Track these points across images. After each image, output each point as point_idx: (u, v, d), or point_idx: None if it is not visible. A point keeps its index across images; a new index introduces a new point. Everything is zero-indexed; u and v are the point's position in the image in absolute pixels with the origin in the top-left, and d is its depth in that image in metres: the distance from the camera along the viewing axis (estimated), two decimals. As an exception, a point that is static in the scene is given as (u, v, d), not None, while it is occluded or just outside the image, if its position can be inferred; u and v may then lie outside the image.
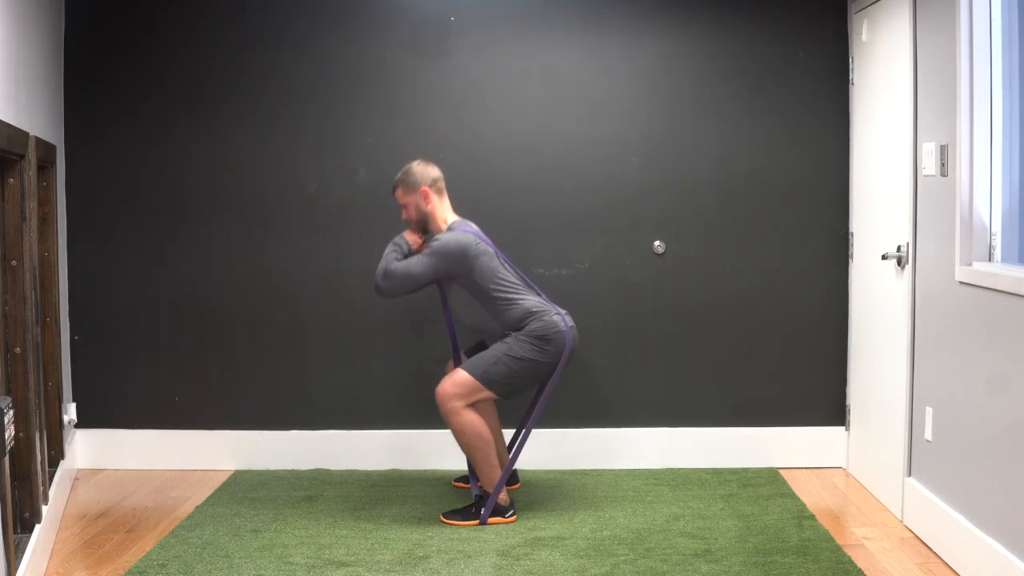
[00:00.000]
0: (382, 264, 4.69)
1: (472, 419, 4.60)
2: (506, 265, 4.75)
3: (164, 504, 4.99)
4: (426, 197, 4.75)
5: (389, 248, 4.75)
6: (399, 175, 4.81)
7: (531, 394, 4.93)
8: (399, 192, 4.80)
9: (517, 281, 4.73)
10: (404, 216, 4.83)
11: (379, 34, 5.46)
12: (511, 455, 4.86)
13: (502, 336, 4.68)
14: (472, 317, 4.75)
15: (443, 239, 4.66)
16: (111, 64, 5.47)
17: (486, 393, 4.63)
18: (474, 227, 4.82)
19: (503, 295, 4.66)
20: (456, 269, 4.64)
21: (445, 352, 5.28)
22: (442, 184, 4.81)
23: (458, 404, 4.60)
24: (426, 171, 4.77)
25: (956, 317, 4.15)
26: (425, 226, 4.80)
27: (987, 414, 3.89)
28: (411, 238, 4.79)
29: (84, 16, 5.47)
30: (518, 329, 4.64)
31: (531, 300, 4.69)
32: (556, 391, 4.91)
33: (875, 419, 5.07)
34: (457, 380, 4.62)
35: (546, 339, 4.63)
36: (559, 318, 4.67)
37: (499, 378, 4.61)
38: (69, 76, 5.47)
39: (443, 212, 4.80)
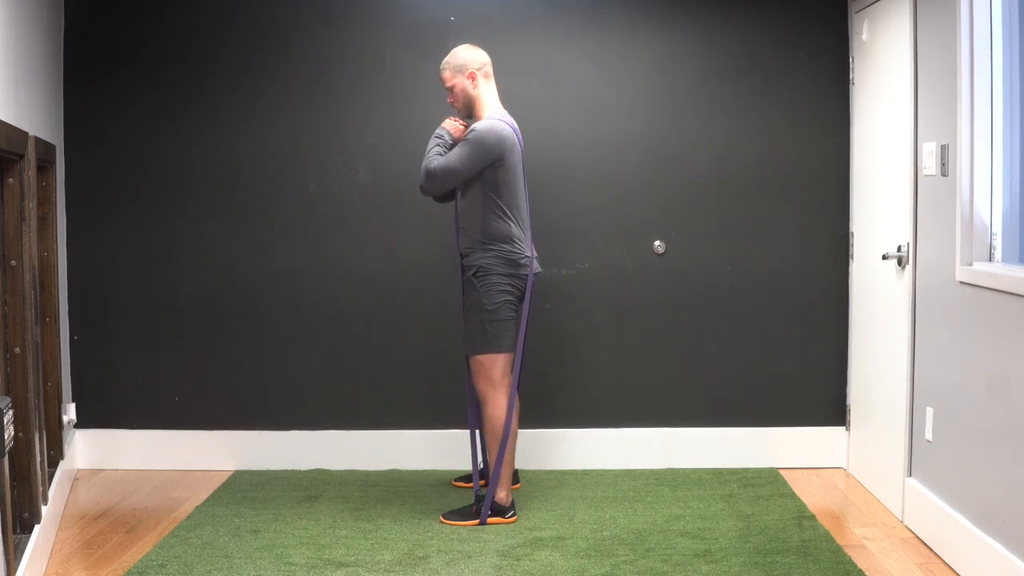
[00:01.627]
0: (424, 162, 4.64)
1: (498, 413, 4.63)
2: (523, 179, 4.70)
3: (164, 504, 4.99)
4: (474, 81, 4.68)
5: (432, 142, 4.69)
6: (447, 57, 4.73)
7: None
8: (447, 75, 4.72)
9: (521, 205, 4.68)
10: (449, 99, 4.76)
11: (379, 34, 5.46)
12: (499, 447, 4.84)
13: (474, 242, 4.65)
14: (468, 206, 4.68)
15: (483, 128, 4.58)
16: (111, 64, 5.47)
17: (501, 356, 4.63)
18: (514, 123, 4.73)
19: (504, 207, 4.62)
20: (492, 159, 4.57)
21: (445, 351, 5.29)
22: (490, 70, 4.73)
23: (491, 393, 4.64)
24: (475, 54, 4.71)
25: (956, 317, 4.15)
26: (470, 111, 4.73)
27: (987, 414, 3.89)
28: (451, 127, 4.72)
29: (84, 16, 5.46)
30: (488, 247, 4.61)
31: (519, 229, 4.66)
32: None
33: (875, 419, 5.07)
34: (476, 370, 4.67)
35: (518, 257, 4.62)
36: (530, 256, 4.68)
37: (496, 330, 4.61)
38: (69, 76, 5.47)
39: (489, 99, 4.72)
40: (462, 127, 4.72)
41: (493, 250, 4.63)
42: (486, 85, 4.72)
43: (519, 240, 4.67)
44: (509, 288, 4.65)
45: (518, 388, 4.85)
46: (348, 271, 5.51)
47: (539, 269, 4.80)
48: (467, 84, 4.69)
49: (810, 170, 5.46)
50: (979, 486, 3.97)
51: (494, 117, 4.66)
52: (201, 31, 5.47)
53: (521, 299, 4.70)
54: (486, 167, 4.59)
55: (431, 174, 4.62)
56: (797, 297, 5.48)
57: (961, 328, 4.11)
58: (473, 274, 4.66)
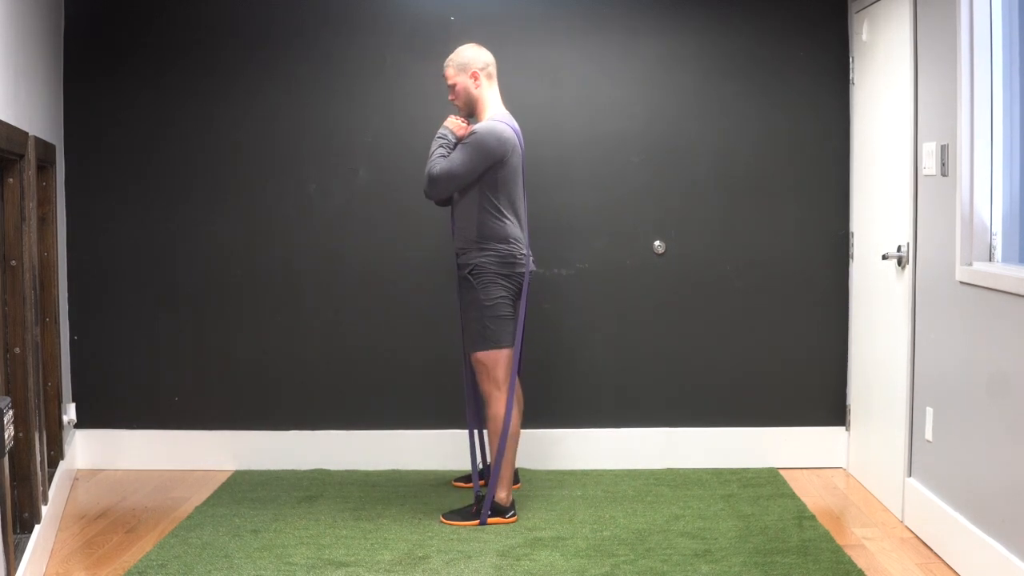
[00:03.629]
0: (428, 166, 4.63)
1: (500, 412, 4.64)
2: (523, 179, 4.70)
3: (164, 504, 4.99)
4: (476, 80, 4.68)
5: (434, 144, 4.68)
6: (451, 55, 4.73)
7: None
8: (449, 72, 4.71)
9: (518, 205, 4.69)
10: (451, 97, 4.75)
11: (379, 34, 5.46)
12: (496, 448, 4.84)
13: (468, 241, 4.65)
14: (464, 205, 4.67)
15: (481, 131, 4.57)
16: (111, 63, 5.47)
17: (503, 352, 4.63)
18: (515, 124, 4.72)
19: (500, 207, 4.62)
20: (494, 161, 4.57)
21: (445, 351, 5.29)
22: (493, 70, 4.72)
23: (494, 392, 4.64)
24: (479, 53, 4.70)
25: (956, 317, 4.15)
26: (472, 110, 4.73)
27: (987, 414, 3.89)
28: (454, 125, 4.70)
29: (84, 15, 5.46)
30: (482, 246, 4.61)
31: (515, 228, 4.66)
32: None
33: (875, 419, 5.07)
34: (480, 370, 4.67)
35: (513, 257, 4.62)
36: (525, 255, 4.68)
37: (496, 327, 4.61)
38: (69, 76, 5.47)
39: (491, 99, 4.72)
40: (464, 125, 4.70)
41: (489, 250, 4.63)
42: (489, 86, 4.72)
43: (516, 240, 4.66)
44: (505, 285, 4.65)
45: (519, 382, 4.86)
46: (348, 271, 5.51)
47: (534, 268, 4.80)
48: (469, 83, 4.69)
49: (810, 170, 5.46)
50: (979, 486, 3.97)
51: (495, 118, 4.66)
52: (201, 31, 5.47)
53: (517, 297, 4.70)
54: (488, 169, 4.60)
55: (434, 179, 4.61)
56: (797, 297, 5.48)
57: (961, 328, 4.11)
58: (469, 272, 4.66)
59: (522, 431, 5.20)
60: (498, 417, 4.66)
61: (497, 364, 4.64)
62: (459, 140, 4.66)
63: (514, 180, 4.65)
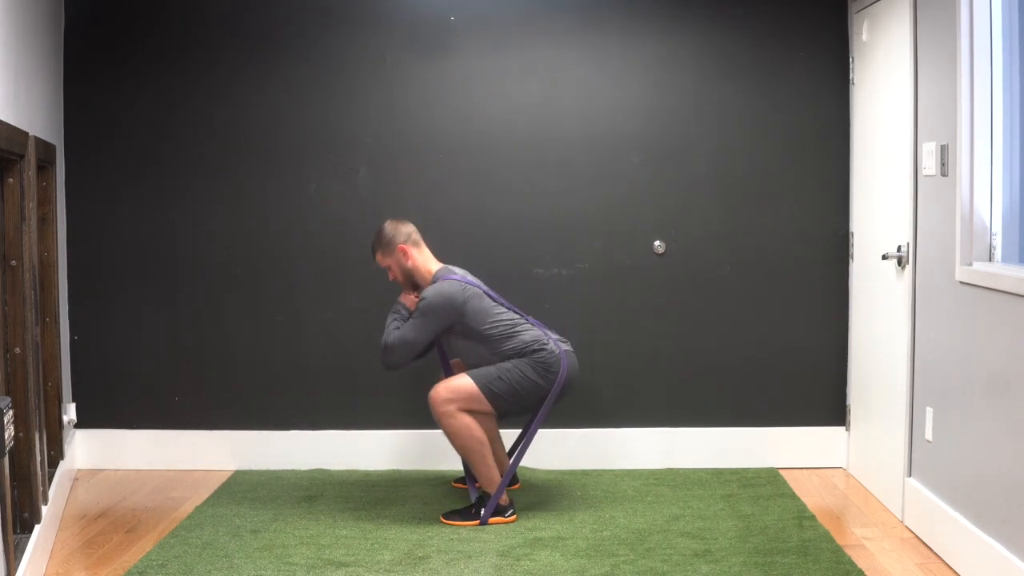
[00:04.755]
0: (383, 337, 4.70)
1: (466, 422, 4.59)
2: (498, 302, 4.74)
3: (164, 504, 4.99)
4: (405, 254, 4.76)
5: (390, 318, 4.76)
6: (373, 240, 4.82)
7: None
8: (378, 256, 4.82)
9: (513, 315, 4.72)
10: (391, 278, 4.85)
11: (379, 34, 5.45)
12: (512, 460, 4.85)
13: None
14: (475, 358, 4.71)
15: (428, 295, 4.64)
16: (111, 63, 5.47)
17: (484, 406, 4.61)
18: (459, 272, 4.80)
19: (500, 331, 4.65)
20: (449, 319, 4.63)
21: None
22: (417, 236, 4.81)
23: (451, 407, 4.58)
24: (398, 229, 4.78)
25: (956, 317, 4.15)
26: (413, 282, 4.81)
27: (987, 414, 3.89)
28: (406, 300, 4.80)
29: (84, 15, 5.46)
30: (521, 357, 4.64)
31: (529, 333, 4.68)
32: (549, 416, 4.86)
33: (875, 419, 5.07)
34: (455, 386, 4.61)
35: (548, 365, 4.63)
36: (555, 346, 4.67)
37: (501, 392, 4.59)
38: (69, 75, 5.47)
39: (425, 263, 4.79)
40: (415, 297, 4.77)
41: (525, 358, 4.61)
42: (418, 252, 4.78)
43: (536, 341, 4.65)
44: (542, 376, 4.62)
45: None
46: (348, 271, 5.51)
47: (568, 348, 4.74)
48: (400, 258, 4.76)
49: (810, 170, 5.46)
50: (979, 486, 3.97)
51: (438, 277, 4.72)
52: (201, 31, 5.47)
53: (543, 392, 4.65)
54: (445, 329, 4.65)
55: (389, 348, 4.66)
56: (797, 297, 5.48)
57: (961, 328, 4.11)
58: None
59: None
60: (461, 427, 4.58)
61: (472, 403, 4.58)
62: (411, 312, 4.72)
63: (487, 311, 4.66)
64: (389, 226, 4.80)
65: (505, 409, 4.67)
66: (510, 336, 4.65)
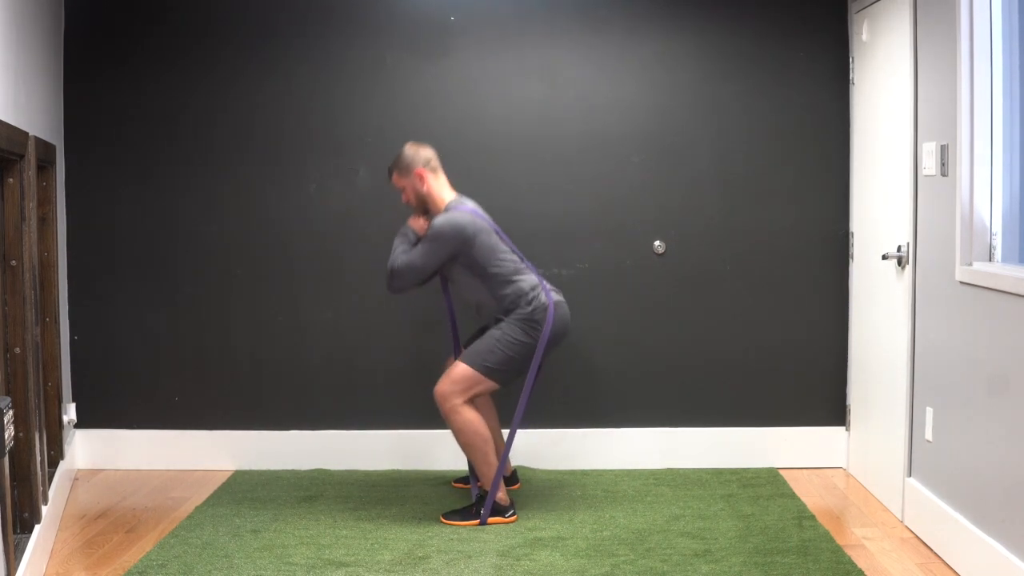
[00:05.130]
0: (390, 261, 4.70)
1: (471, 417, 4.61)
2: (505, 242, 4.74)
3: (164, 504, 4.99)
4: (421, 178, 4.73)
5: (397, 241, 4.76)
6: (393, 160, 4.81)
7: (517, 391, 4.90)
8: (395, 176, 4.80)
9: (515, 259, 4.72)
10: (404, 199, 4.82)
11: (379, 34, 5.46)
12: (504, 451, 4.85)
13: (497, 313, 4.69)
14: (472, 293, 4.74)
15: (438, 223, 4.64)
16: (111, 64, 5.47)
17: (486, 384, 4.64)
18: (471, 204, 4.79)
19: (501, 273, 4.65)
20: (456, 249, 4.63)
21: (445, 351, 5.28)
22: (436, 163, 4.78)
23: (457, 402, 4.60)
24: (418, 152, 4.76)
25: (956, 317, 4.15)
26: (425, 207, 4.78)
27: (987, 414, 3.89)
28: (415, 224, 4.78)
29: (84, 15, 5.46)
30: (510, 310, 4.65)
31: (527, 280, 4.69)
32: (544, 376, 4.88)
33: (875, 419, 5.07)
34: (455, 376, 4.63)
35: (537, 322, 4.65)
36: (546, 297, 4.68)
37: (496, 365, 4.62)
38: (69, 75, 5.47)
39: (440, 191, 4.77)
40: (423, 222, 4.77)
41: (514, 314, 4.64)
42: (435, 179, 4.77)
43: (533, 290, 4.67)
44: (531, 335, 4.65)
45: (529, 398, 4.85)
46: (348, 271, 5.51)
47: (559, 298, 4.77)
48: (416, 183, 4.75)
49: (810, 170, 5.46)
50: (979, 486, 3.97)
51: (451, 206, 4.71)
52: (201, 32, 5.47)
53: (535, 345, 4.68)
54: (451, 257, 4.65)
55: (396, 272, 4.67)
56: (797, 297, 5.48)
57: (961, 328, 4.11)
58: (496, 323, 4.70)
59: (522, 431, 5.21)
60: (466, 422, 4.62)
61: (474, 386, 4.63)
62: (420, 238, 4.72)
63: (494, 248, 4.67)
64: (410, 148, 4.77)
65: (506, 378, 4.69)
66: (510, 281, 4.65)
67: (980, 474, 3.96)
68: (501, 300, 4.67)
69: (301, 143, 5.48)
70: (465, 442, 4.64)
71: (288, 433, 5.56)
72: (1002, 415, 3.76)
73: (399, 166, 4.78)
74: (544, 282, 4.77)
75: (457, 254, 4.65)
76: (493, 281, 4.67)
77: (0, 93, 3.90)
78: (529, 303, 4.65)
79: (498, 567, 4.14)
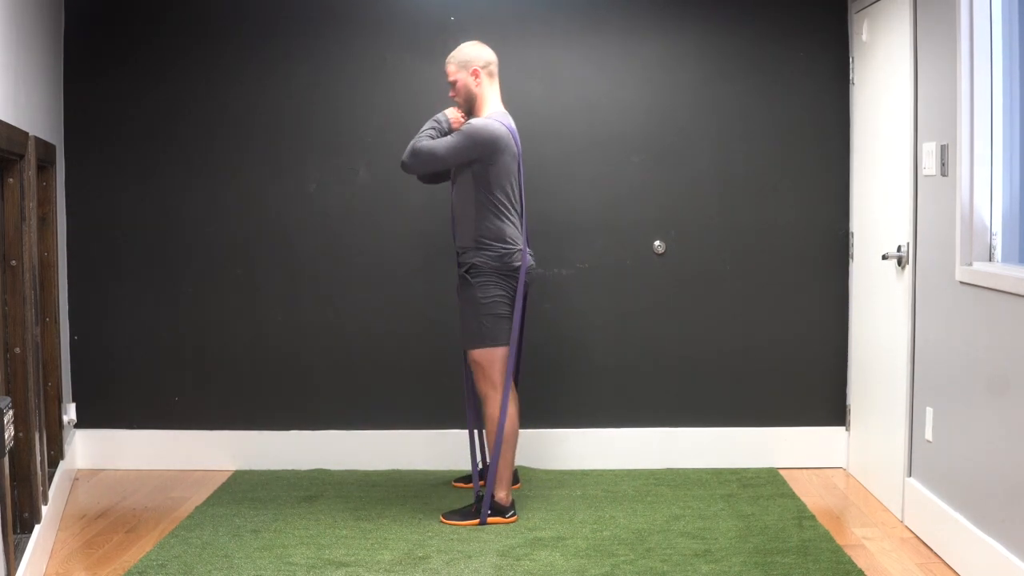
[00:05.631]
0: (414, 139, 4.63)
1: (511, 412, 4.64)
2: (518, 180, 4.70)
3: (164, 504, 4.99)
4: (476, 77, 4.68)
5: (428, 124, 4.69)
6: (454, 51, 4.73)
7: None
8: (450, 68, 4.71)
9: (515, 204, 4.69)
10: (451, 93, 4.75)
11: (379, 34, 5.46)
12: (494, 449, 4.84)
13: (466, 240, 4.65)
14: (463, 204, 4.68)
15: (476, 123, 4.58)
16: (111, 64, 5.47)
17: (496, 352, 4.63)
18: (512, 124, 4.73)
19: (498, 206, 4.62)
20: (480, 155, 4.57)
21: (445, 351, 5.29)
22: (495, 68, 4.73)
23: (493, 394, 4.64)
24: (481, 51, 4.71)
25: (956, 317, 4.15)
26: (471, 107, 4.73)
27: (987, 414, 3.89)
28: (453, 116, 4.72)
29: (84, 15, 5.47)
30: (481, 248, 4.61)
31: (512, 227, 4.66)
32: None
33: (875, 419, 5.07)
34: (476, 370, 4.67)
35: (512, 270, 4.63)
36: (520, 254, 4.66)
37: (491, 330, 4.62)
38: (69, 76, 5.47)
39: (490, 98, 4.72)
40: (462, 119, 4.72)
41: (487, 250, 4.63)
42: (489, 84, 4.72)
43: (513, 239, 4.66)
44: (502, 284, 4.65)
45: (516, 385, 4.85)
46: (348, 271, 5.51)
47: (532, 263, 4.79)
48: (470, 80, 4.69)
49: (810, 170, 5.46)
50: (979, 486, 3.97)
51: (493, 116, 4.66)
52: (201, 32, 5.47)
53: (514, 296, 4.69)
54: (472, 161, 4.59)
55: (415, 151, 4.59)
56: (797, 297, 5.48)
57: (961, 328, 4.11)
58: (466, 271, 4.66)
59: (522, 431, 5.21)
60: (494, 417, 4.66)
61: (493, 363, 4.65)
62: (451, 130, 4.68)
63: (508, 179, 4.65)
64: (474, 46, 4.71)
65: (507, 336, 4.65)
66: (499, 218, 4.62)
67: (980, 474, 3.96)
68: (482, 230, 4.62)
69: (301, 143, 5.49)
70: (492, 430, 4.68)
71: (288, 433, 5.56)
72: (1002, 415, 3.76)
73: (458, 59, 4.69)
74: (525, 240, 4.73)
75: (477, 161, 4.58)
76: (484, 207, 4.61)
77: (0, 93, 3.90)
78: (503, 252, 4.61)
79: (498, 567, 4.14)
